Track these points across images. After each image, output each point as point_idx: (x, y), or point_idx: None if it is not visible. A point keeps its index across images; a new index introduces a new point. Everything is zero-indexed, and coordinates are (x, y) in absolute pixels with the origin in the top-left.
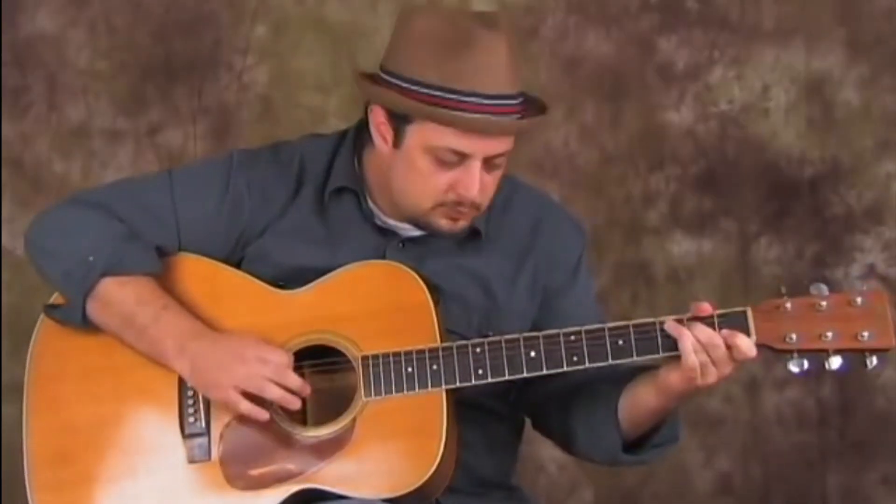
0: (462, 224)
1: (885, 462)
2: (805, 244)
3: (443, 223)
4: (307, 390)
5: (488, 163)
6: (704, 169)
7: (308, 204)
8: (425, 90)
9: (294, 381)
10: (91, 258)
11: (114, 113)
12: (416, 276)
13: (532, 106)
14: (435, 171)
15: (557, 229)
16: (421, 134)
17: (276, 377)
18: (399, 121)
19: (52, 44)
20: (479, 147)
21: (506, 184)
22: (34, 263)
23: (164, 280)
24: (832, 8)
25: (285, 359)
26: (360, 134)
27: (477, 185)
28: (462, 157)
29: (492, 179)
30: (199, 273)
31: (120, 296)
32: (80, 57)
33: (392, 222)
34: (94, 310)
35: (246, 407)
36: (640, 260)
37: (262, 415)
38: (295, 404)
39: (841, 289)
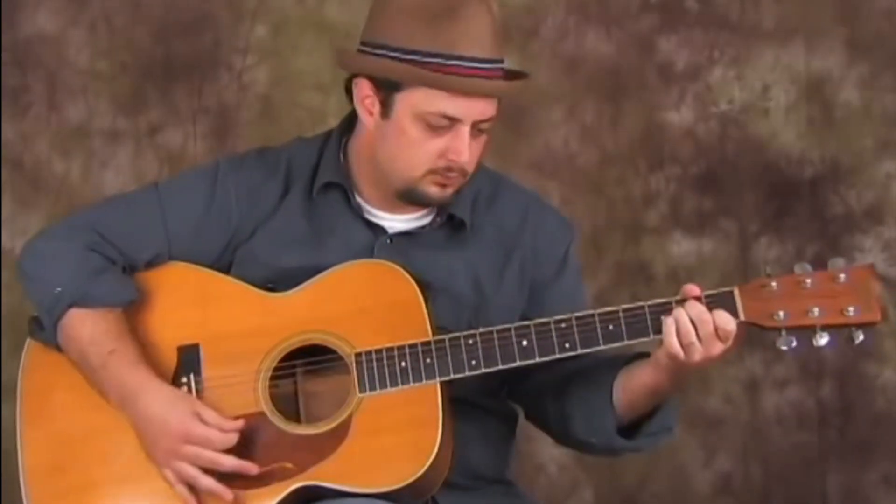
0: (450, 191)
1: (885, 462)
2: (805, 244)
3: (433, 190)
4: (252, 469)
5: (475, 128)
6: (704, 169)
7: (296, 204)
8: (417, 56)
9: (230, 464)
10: (58, 290)
11: (114, 113)
12: (405, 273)
13: (512, 74)
14: (426, 138)
15: (544, 223)
16: (411, 100)
17: (211, 465)
18: (387, 90)
19: (52, 44)
20: (470, 111)
21: (491, 179)
22: (23, 286)
23: (155, 289)
24: (832, 8)
25: (220, 442)
26: (344, 131)
27: (467, 149)
28: (452, 123)
29: (477, 146)
30: (188, 280)
31: (77, 332)
32: (80, 57)
33: (380, 214)
34: (60, 341)
35: (206, 483)
36: (640, 260)
37: (228, 495)
38: (227, 497)
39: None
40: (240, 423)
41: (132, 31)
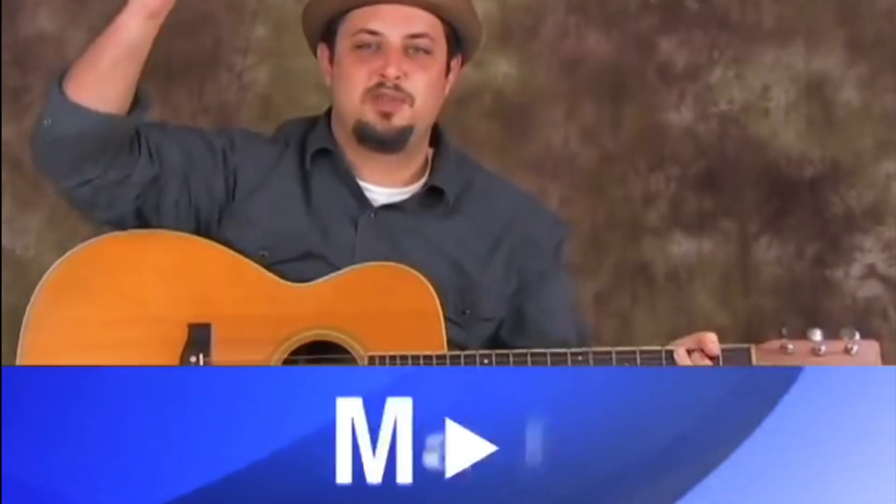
0: (395, 119)
1: None
2: (805, 244)
3: (374, 119)
4: None
5: (409, 48)
6: (704, 169)
7: (290, 171)
8: None
9: None
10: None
11: None
12: (430, 287)
13: None
14: (359, 62)
15: (536, 218)
16: (344, 30)
17: None
18: (332, 37)
19: (52, 44)
20: (388, 21)
21: (490, 177)
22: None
23: (172, 262)
24: (832, 8)
25: None
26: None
27: (393, 62)
28: (379, 41)
29: (418, 68)
30: (207, 259)
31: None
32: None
33: (368, 186)
34: (72, 81)
35: None
36: (640, 260)
37: None
38: None
39: (837, 333)
40: None
41: None
